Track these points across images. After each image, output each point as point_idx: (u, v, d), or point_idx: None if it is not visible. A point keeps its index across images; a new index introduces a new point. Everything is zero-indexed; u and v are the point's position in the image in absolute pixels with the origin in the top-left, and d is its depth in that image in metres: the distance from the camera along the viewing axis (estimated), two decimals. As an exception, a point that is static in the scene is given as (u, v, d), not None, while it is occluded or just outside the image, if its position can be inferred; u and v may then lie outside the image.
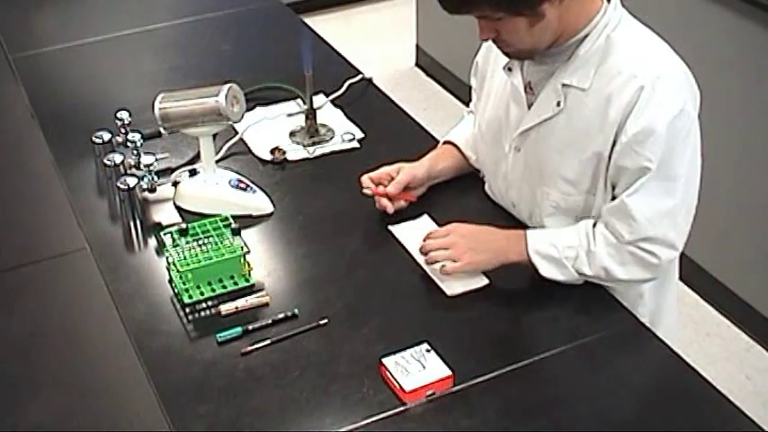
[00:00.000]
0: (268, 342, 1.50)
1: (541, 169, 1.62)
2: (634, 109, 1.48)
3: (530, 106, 1.62)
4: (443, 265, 1.59)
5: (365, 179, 1.77)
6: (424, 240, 1.64)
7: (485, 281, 1.63)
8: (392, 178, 1.76)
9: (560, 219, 1.64)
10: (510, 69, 1.64)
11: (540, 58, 1.58)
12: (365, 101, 2.23)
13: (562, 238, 1.59)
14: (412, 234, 1.72)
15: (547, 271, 1.59)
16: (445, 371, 1.42)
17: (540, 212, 1.66)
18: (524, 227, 1.69)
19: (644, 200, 1.51)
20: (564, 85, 1.55)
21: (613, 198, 1.57)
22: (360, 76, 2.30)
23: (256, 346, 1.49)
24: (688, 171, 1.52)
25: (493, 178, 1.79)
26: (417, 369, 1.42)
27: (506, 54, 1.57)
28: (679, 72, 1.53)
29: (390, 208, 1.75)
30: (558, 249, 1.58)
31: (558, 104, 1.56)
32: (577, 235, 1.59)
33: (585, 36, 1.52)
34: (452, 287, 1.61)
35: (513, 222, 1.74)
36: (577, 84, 1.54)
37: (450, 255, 1.59)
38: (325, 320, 1.51)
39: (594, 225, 1.59)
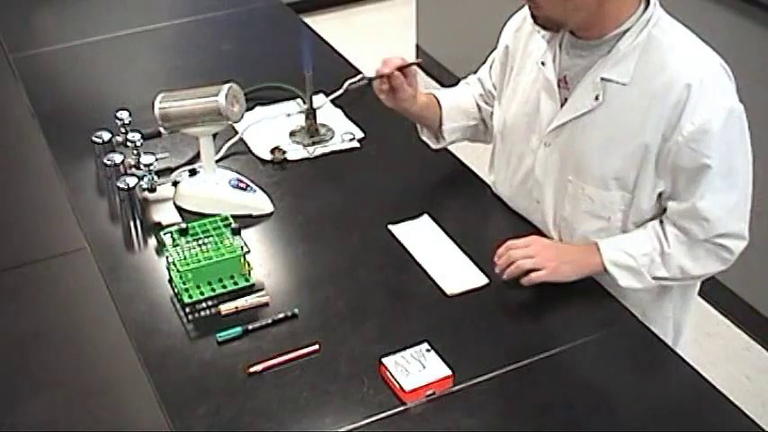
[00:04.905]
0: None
1: (578, 164, 1.59)
2: (686, 108, 1.47)
3: (563, 101, 1.60)
4: (527, 274, 1.56)
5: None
6: (501, 251, 1.59)
7: (485, 280, 1.63)
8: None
9: (594, 221, 1.61)
10: (543, 64, 1.61)
11: (576, 50, 1.57)
12: (365, 101, 2.22)
13: (636, 245, 1.58)
14: (412, 234, 1.72)
15: (626, 281, 1.59)
16: (445, 371, 1.42)
17: (569, 209, 1.63)
18: (539, 231, 1.69)
19: (712, 199, 1.52)
20: (603, 79, 1.53)
21: (659, 196, 1.56)
22: (360, 76, 2.29)
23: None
24: (744, 162, 1.54)
25: (512, 174, 1.75)
26: (417, 369, 1.42)
27: (535, 20, 1.55)
28: (721, 68, 1.52)
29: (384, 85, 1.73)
30: (634, 259, 1.58)
31: (597, 98, 1.54)
32: (649, 239, 1.58)
33: (626, 31, 1.51)
34: (452, 287, 1.61)
35: (524, 224, 1.74)
36: (617, 78, 1.52)
37: (537, 263, 1.56)
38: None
39: (661, 223, 1.59)
